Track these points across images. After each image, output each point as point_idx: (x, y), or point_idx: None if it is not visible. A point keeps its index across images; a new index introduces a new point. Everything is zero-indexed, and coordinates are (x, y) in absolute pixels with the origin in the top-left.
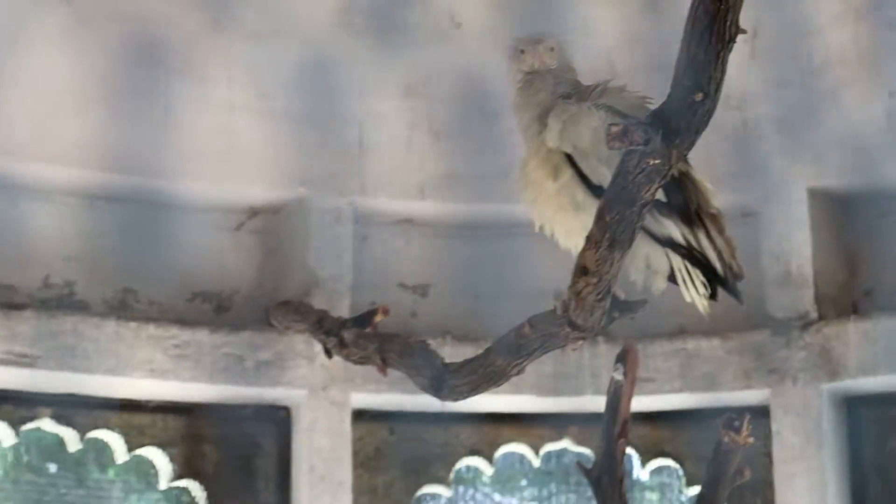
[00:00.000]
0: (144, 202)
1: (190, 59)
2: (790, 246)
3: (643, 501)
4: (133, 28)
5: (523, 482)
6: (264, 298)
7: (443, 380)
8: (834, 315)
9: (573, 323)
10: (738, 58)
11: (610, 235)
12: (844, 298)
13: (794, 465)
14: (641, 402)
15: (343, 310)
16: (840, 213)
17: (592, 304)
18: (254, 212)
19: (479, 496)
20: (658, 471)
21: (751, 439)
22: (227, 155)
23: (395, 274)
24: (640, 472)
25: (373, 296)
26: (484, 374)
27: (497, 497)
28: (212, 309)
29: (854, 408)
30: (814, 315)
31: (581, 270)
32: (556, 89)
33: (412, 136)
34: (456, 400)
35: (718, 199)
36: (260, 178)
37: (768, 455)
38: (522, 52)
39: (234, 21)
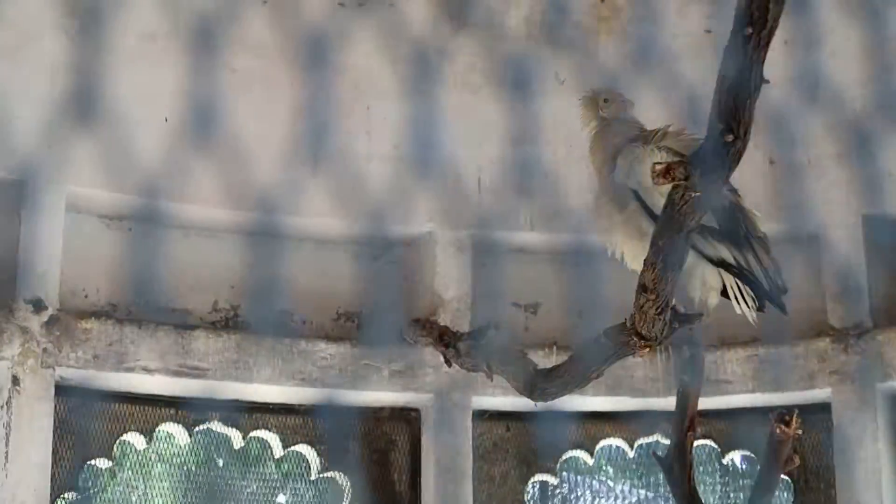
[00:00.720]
0: (296, 238)
1: (336, 117)
2: (847, 265)
3: (743, 486)
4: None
5: (623, 471)
6: (398, 317)
7: (534, 383)
8: (887, 324)
9: (639, 333)
10: (801, 105)
11: (663, 258)
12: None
13: (853, 454)
14: (720, 401)
15: (464, 326)
16: (892, 235)
17: (653, 317)
18: (389, 244)
19: (591, 484)
20: (751, 460)
21: (799, 431)
22: (366, 196)
23: (509, 295)
24: (739, 461)
25: (490, 313)
26: (568, 378)
27: (604, 485)
28: (354, 326)
29: None
30: (868, 324)
31: (642, 288)
32: (625, 134)
33: (522, 178)
34: (546, 400)
35: (770, 225)
36: (395, 216)
37: (830, 446)
38: (602, 101)
39: (372, 85)
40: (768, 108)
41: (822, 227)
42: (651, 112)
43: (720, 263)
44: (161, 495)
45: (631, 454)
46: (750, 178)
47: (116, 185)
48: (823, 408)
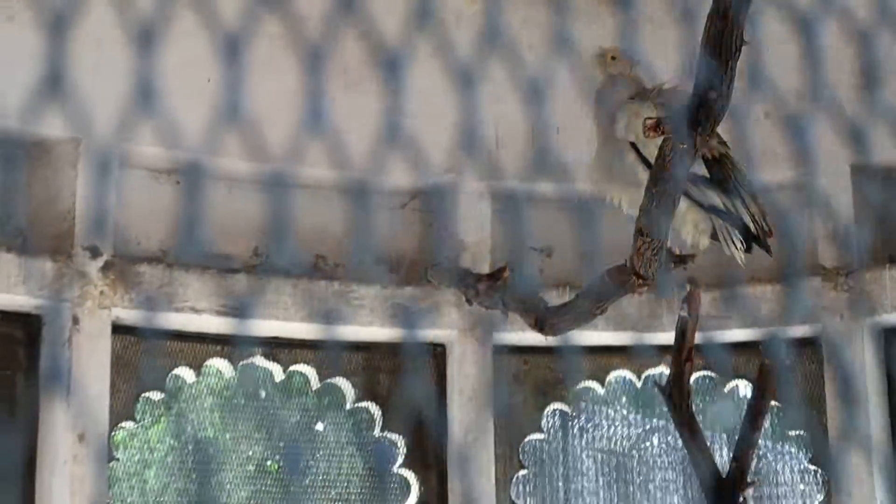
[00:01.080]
0: (329, 188)
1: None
2: (837, 209)
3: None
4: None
5: (634, 400)
6: (424, 261)
7: (544, 320)
8: (872, 264)
9: (637, 273)
10: (791, 61)
11: (657, 204)
12: (882, 251)
13: (842, 383)
14: (720, 336)
15: (485, 268)
16: (877, 181)
17: (650, 258)
18: (415, 194)
19: (606, 412)
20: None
21: (786, 361)
22: (394, 150)
23: (525, 239)
24: (741, 390)
25: (508, 257)
26: (575, 315)
27: (618, 413)
28: (384, 270)
29: (889, 338)
30: (856, 264)
31: (638, 232)
32: (627, 91)
33: (536, 132)
34: (555, 335)
35: (765, 174)
36: (420, 168)
37: (821, 376)
38: (609, 59)
39: (397, 45)
40: (763, 67)
41: (813, 176)
42: (656, 71)
43: (711, 209)
44: (213, 425)
45: (639, 385)
46: (747, 130)
47: (166, 143)
48: (815, 342)
